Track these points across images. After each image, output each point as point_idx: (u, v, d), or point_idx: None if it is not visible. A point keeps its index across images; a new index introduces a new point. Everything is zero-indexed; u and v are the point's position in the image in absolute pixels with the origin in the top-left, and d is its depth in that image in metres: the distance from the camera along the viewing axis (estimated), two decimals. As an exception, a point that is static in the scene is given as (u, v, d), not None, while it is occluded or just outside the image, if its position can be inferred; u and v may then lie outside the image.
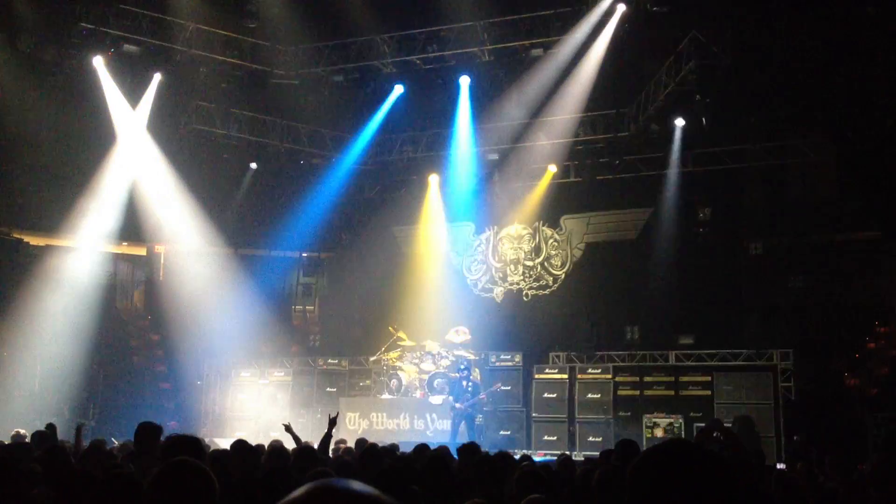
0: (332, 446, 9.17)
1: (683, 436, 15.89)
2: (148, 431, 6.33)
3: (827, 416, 15.05)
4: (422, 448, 8.17)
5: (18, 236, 19.46)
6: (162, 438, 6.04)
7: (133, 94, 18.90)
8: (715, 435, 7.60)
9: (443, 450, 8.12)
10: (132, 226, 20.24)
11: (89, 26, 17.35)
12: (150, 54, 18.30)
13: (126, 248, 22.22)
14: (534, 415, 17.84)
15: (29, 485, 5.16)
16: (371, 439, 10.92)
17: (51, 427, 9.66)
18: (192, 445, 5.22)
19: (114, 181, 19.26)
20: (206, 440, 12.98)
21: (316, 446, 8.35)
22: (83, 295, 19.23)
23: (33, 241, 19.86)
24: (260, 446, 8.38)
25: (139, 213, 20.00)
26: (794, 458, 11.85)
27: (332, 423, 8.87)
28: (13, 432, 10.50)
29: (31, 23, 16.94)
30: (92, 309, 19.01)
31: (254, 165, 21.30)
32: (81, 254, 19.96)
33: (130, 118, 19.05)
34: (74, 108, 18.48)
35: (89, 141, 18.94)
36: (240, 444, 7.22)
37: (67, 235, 19.69)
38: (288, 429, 10.15)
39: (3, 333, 17.81)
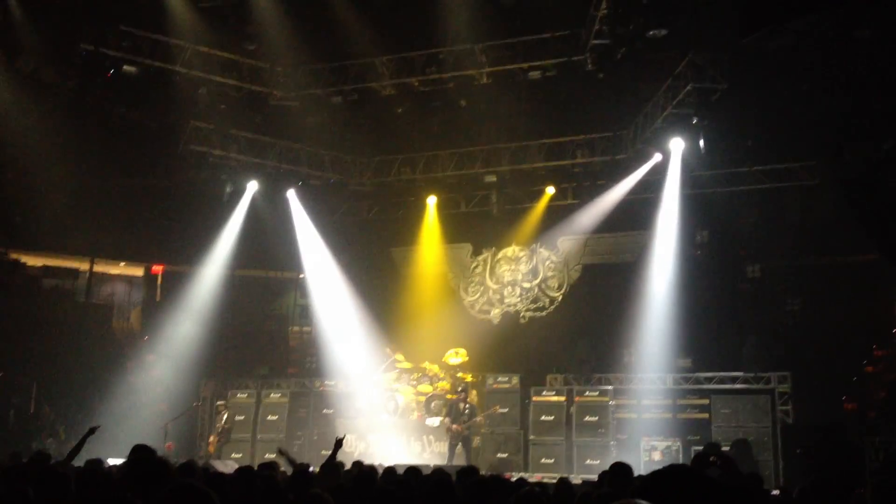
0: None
1: (681, 459, 15.86)
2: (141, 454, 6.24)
3: (825, 440, 15.00)
4: (414, 471, 8.12)
5: (15, 257, 19.44)
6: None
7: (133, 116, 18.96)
8: (711, 459, 7.55)
9: (443, 474, 8.07)
10: (130, 245, 20.24)
11: (89, 47, 17.40)
12: (149, 75, 18.34)
13: (123, 269, 22.22)
14: (531, 437, 17.79)
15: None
16: (368, 461, 10.88)
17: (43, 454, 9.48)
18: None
19: (112, 200, 19.27)
20: (202, 462, 12.93)
21: (313, 468, 8.32)
22: (80, 315, 19.20)
23: (30, 261, 19.85)
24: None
25: (138, 233, 20.00)
26: (796, 477, 11.81)
27: (339, 445, 8.89)
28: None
29: (31, 44, 16.98)
30: (88, 329, 18.97)
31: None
32: (79, 274, 19.95)
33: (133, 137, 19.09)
34: (74, 129, 18.50)
35: (90, 162, 18.96)
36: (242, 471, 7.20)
37: (65, 256, 19.67)
38: (282, 452, 10.14)
39: (-1, 354, 17.77)
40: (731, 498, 2.23)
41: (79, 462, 9.28)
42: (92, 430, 9.26)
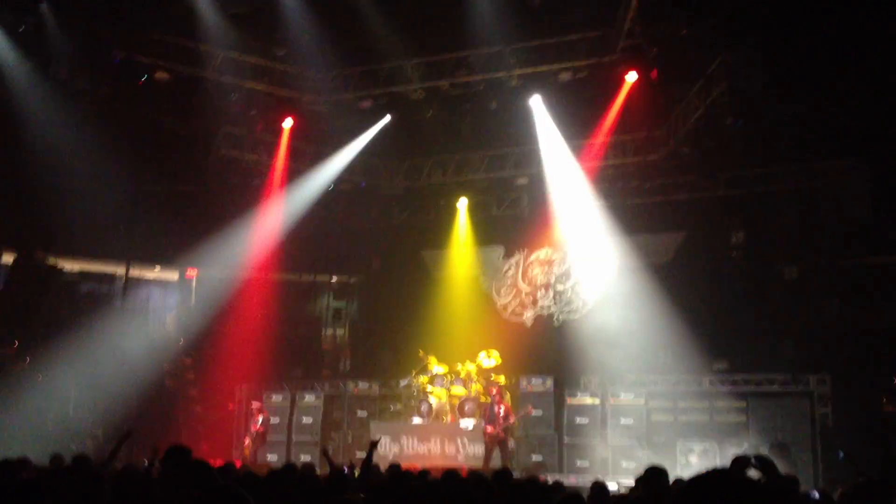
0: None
1: (718, 462, 15.69)
2: (177, 455, 6.32)
3: (865, 443, 14.78)
4: (452, 474, 8.08)
5: (53, 262, 19.65)
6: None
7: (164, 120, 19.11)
8: (751, 462, 7.45)
9: (480, 477, 8.03)
10: (165, 250, 20.41)
11: (121, 54, 17.57)
12: (181, 81, 18.48)
13: (159, 273, 22.40)
14: (566, 440, 17.70)
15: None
16: (402, 464, 10.88)
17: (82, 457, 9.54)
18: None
19: (147, 206, 19.44)
20: (238, 464, 12.99)
21: (349, 469, 8.33)
22: (116, 319, 19.36)
23: (68, 266, 20.05)
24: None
25: (173, 238, 20.15)
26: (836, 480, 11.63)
27: (373, 446, 8.92)
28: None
29: (64, 51, 17.15)
30: (125, 333, 19.12)
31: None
32: (115, 279, 20.13)
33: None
34: (107, 135, 18.65)
35: (124, 168, 19.11)
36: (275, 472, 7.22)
37: (101, 261, 19.85)
38: (325, 453, 10.23)
39: (38, 358, 17.96)
40: (774, 501, 2.19)
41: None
42: (128, 433, 9.32)
